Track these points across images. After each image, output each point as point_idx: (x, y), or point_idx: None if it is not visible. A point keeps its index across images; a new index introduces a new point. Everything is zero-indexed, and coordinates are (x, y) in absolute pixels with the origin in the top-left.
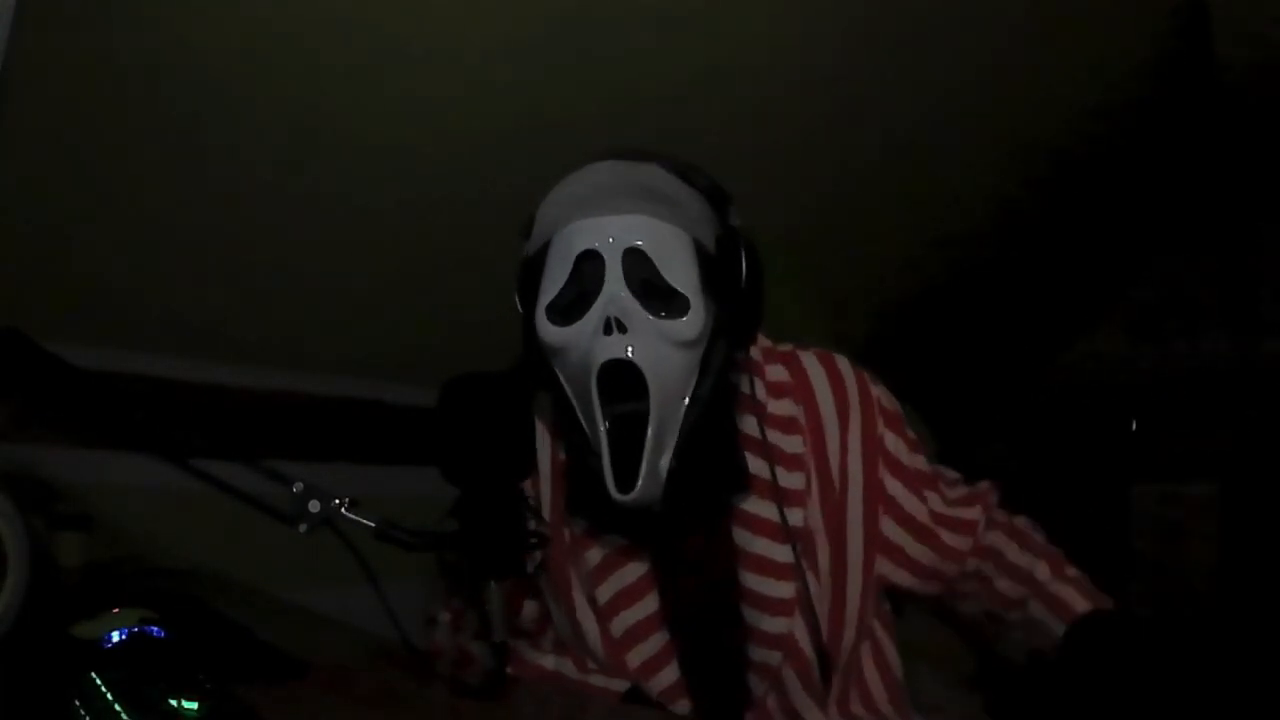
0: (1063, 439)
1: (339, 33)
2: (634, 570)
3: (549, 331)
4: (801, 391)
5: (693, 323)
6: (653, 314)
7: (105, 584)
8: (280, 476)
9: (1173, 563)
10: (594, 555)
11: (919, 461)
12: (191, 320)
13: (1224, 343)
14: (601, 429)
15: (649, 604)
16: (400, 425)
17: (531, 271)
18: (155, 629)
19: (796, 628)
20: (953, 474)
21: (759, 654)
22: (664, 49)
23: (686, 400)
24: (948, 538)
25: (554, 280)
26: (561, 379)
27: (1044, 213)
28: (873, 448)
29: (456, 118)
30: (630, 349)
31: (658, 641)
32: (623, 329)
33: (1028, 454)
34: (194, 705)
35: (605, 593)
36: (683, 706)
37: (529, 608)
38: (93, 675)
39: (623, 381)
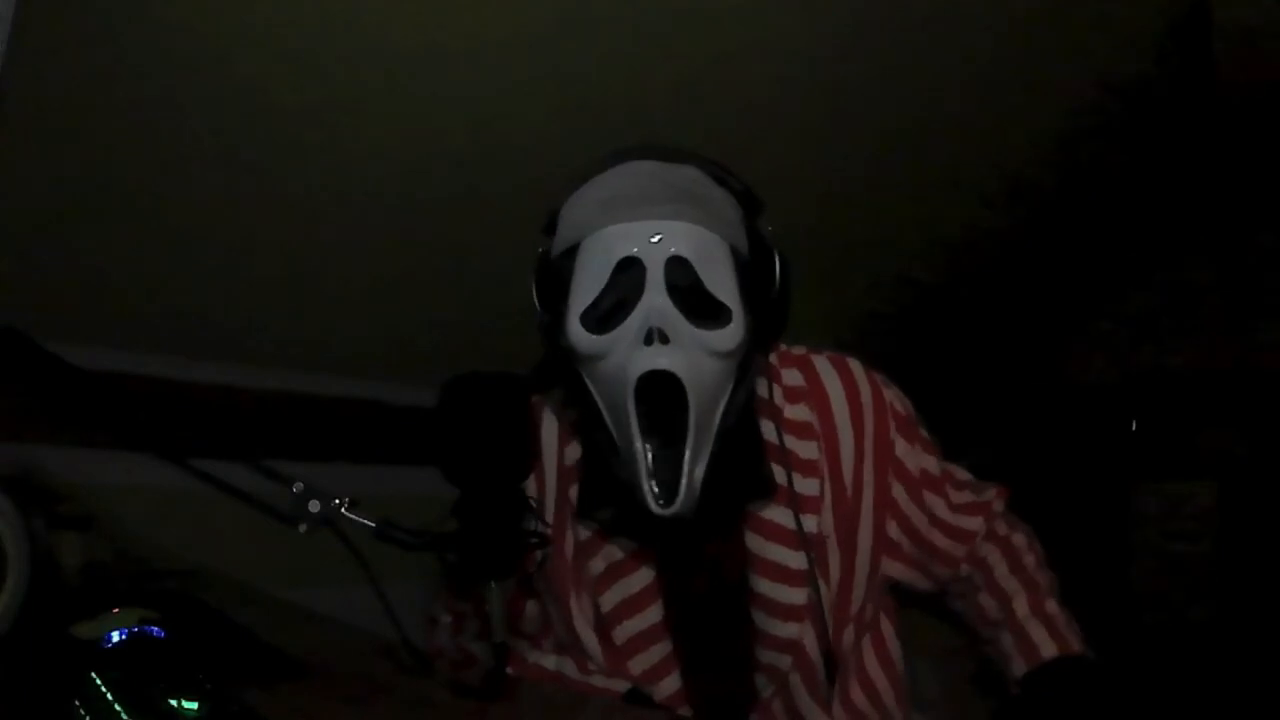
0: (1063, 439)
1: (339, 33)
2: (640, 579)
3: (582, 338)
4: (816, 396)
5: (734, 333)
6: (694, 324)
7: (105, 584)
8: (280, 476)
9: (1172, 563)
10: (598, 562)
11: (929, 463)
12: (191, 320)
13: (1223, 344)
14: (638, 442)
15: (652, 614)
16: (400, 425)
17: (556, 272)
18: (155, 629)
19: (806, 633)
20: (964, 475)
21: (767, 657)
22: (665, 48)
23: (721, 410)
24: (944, 543)
25: (589, 286)
26: (590, 385)
27: (1044, 212)
28: (884, 453)
29: (456, 118)
30: (671, 361)
31: (660, 651)
32: (664, 340)
33: (1028, 454)
34: (194, 705)
35: (609, 600)
36: (683, 714)
37: (530, 609)
38: (93, 675)
39: (662, 393)
